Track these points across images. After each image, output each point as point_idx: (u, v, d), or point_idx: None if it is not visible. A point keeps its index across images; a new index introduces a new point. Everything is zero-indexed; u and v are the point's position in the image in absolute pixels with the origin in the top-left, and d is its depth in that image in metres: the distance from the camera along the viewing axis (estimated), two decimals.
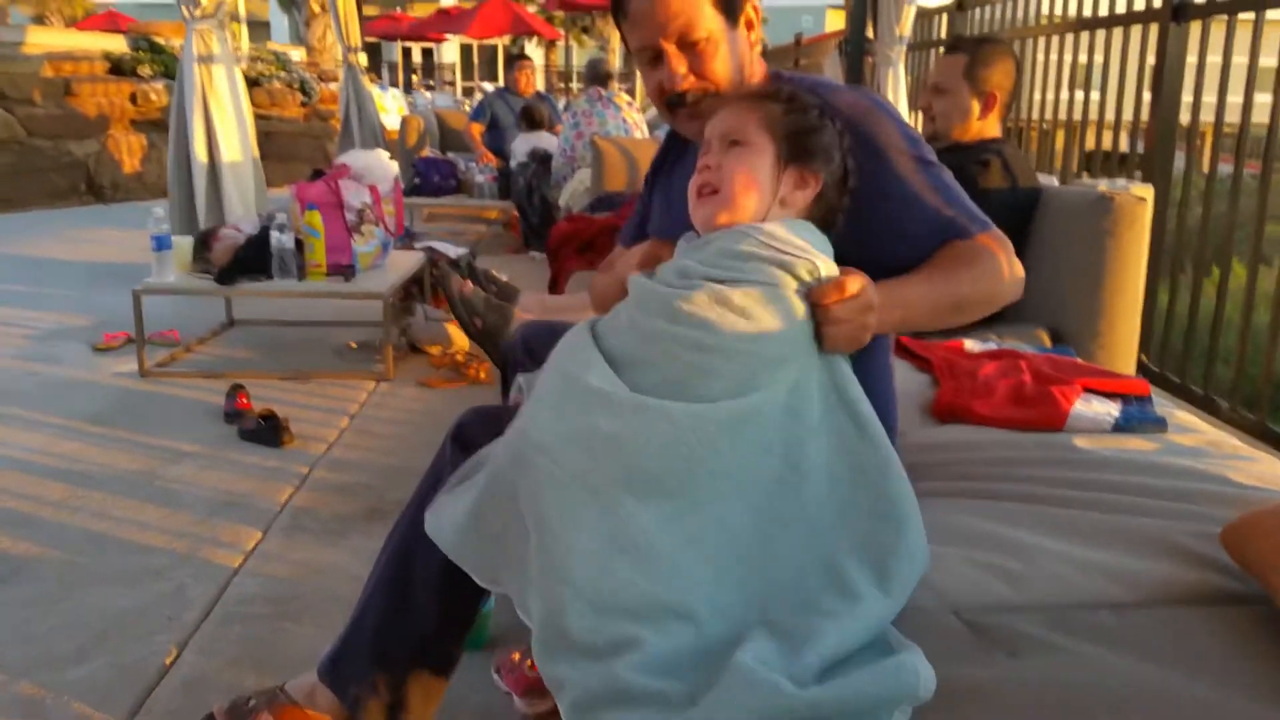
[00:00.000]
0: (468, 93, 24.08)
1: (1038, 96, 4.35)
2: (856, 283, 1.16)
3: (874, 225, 1.35)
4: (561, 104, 9.71)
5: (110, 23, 18.09)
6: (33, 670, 1.83)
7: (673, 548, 1.07)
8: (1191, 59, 3.12)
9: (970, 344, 2.25)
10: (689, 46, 1.38)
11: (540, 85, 11.25)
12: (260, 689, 1.61)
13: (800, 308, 1.16)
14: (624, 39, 1.47)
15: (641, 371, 1.16)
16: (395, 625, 1.44)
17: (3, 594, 2.11)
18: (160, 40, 9.81)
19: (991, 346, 2.25)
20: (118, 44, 9.63)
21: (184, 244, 3.82)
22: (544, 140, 6.71)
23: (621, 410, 1.11)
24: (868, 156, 1.35)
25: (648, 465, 1.09)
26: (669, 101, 1.43)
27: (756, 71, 1.48)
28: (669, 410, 1.10)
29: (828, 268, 1.19)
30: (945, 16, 5.44)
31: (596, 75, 6.63)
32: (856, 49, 5.57)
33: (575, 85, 22.43)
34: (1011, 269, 1.38)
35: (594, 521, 1.08)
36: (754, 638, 1.01)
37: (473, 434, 1.41)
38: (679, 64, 1.39)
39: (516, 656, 1.79)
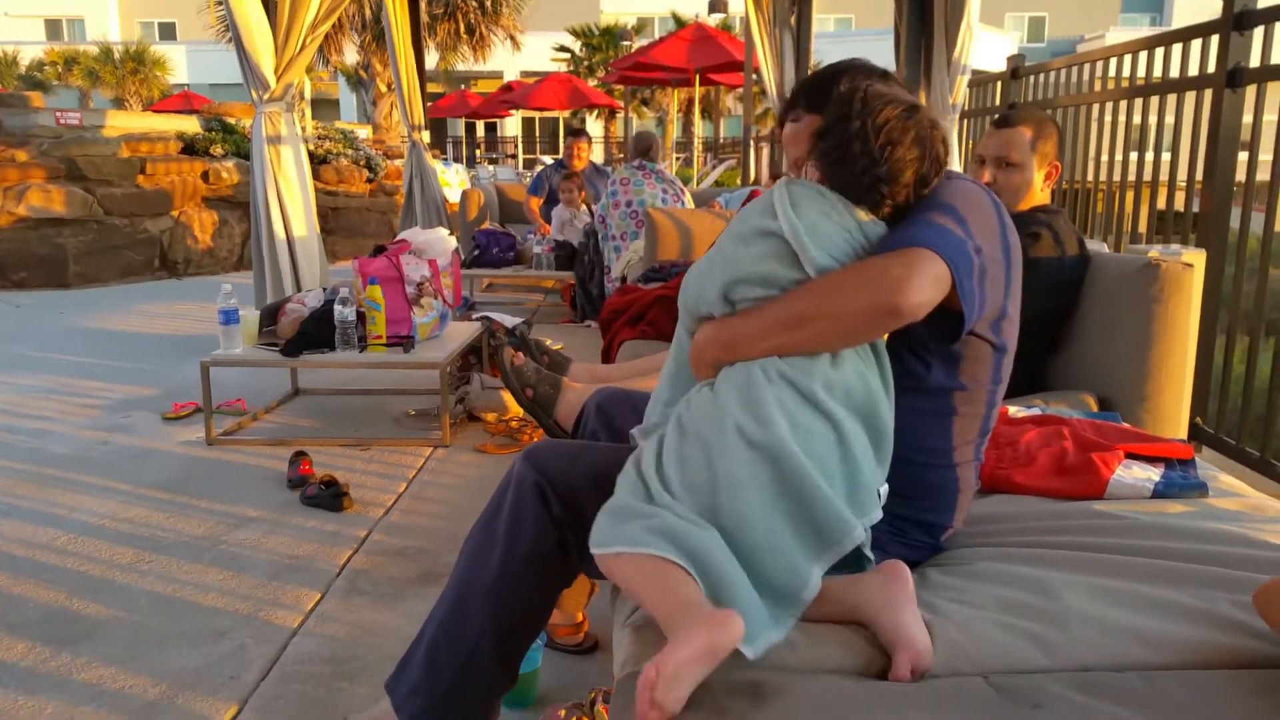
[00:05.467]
0: (529, 165, 24.67)
1: (1092, 160, 4.38)
2: None
3: None
4: None
5: (184, 104, 18.99)
6: None
7: None
8: (1247, 119, 3.13)
9: (1015, 410, 2.25)
10: None
11: (599, 157, 11.51)
12: None
13: None
14: None
15: None
16: (448, 634, 1.56)
17: (77, 654, 2.20)
18: (231, 120, 10.21)
19: (1036, 412, 2.25)
20: (191, 125, 10.02)
21: (250, 318, 3.97)
22: None
23: None
24: None
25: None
26: None
27: None
28: None
29: None
30: (999, 84, 5.49)
31: (640, 148, 6.80)
32: None
33: None
34: (908, 277, 1.23)
35: None
36: None
37: (543, 456, 1.55)
38: None
39: (562, 713, 1.83)
